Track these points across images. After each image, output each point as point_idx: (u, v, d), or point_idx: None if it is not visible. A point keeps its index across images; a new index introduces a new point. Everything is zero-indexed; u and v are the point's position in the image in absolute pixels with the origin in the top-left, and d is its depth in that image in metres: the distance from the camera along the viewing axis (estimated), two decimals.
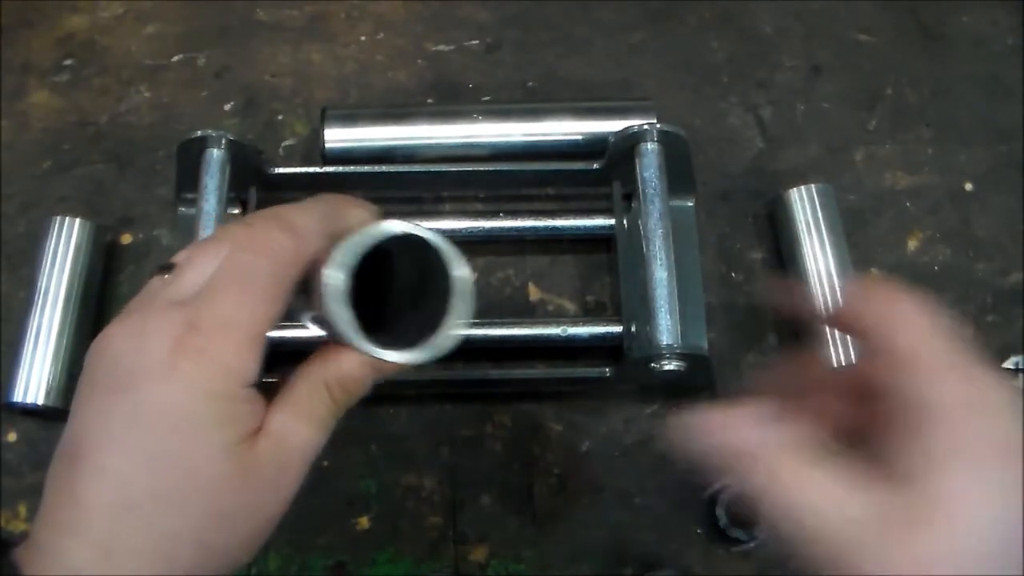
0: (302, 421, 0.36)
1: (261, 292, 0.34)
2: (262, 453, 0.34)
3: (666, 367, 0.51)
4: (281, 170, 0.57)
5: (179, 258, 0.37)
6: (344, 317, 0.34)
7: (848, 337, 0.55)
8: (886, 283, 0.37)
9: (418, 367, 0.36)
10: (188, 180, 0.57)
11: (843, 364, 0.54)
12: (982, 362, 0.33)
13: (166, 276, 0.37)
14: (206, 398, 0.33)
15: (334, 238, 0.36)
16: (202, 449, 0.32)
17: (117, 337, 0.34)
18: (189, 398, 0.32)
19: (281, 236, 0.35)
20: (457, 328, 0.36)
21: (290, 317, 0.36)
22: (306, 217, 0.37)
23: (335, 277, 0.34)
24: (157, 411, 0.32)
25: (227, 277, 0.34)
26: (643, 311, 0.53)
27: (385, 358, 0.35)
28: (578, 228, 0.58)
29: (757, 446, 0.33)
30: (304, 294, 0.37)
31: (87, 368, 0.35)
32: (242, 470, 0.33)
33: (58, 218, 0.56)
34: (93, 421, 0.33)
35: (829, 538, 0.31)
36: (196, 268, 0.35)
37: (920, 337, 0.34)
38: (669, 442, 0.36)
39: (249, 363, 0.34)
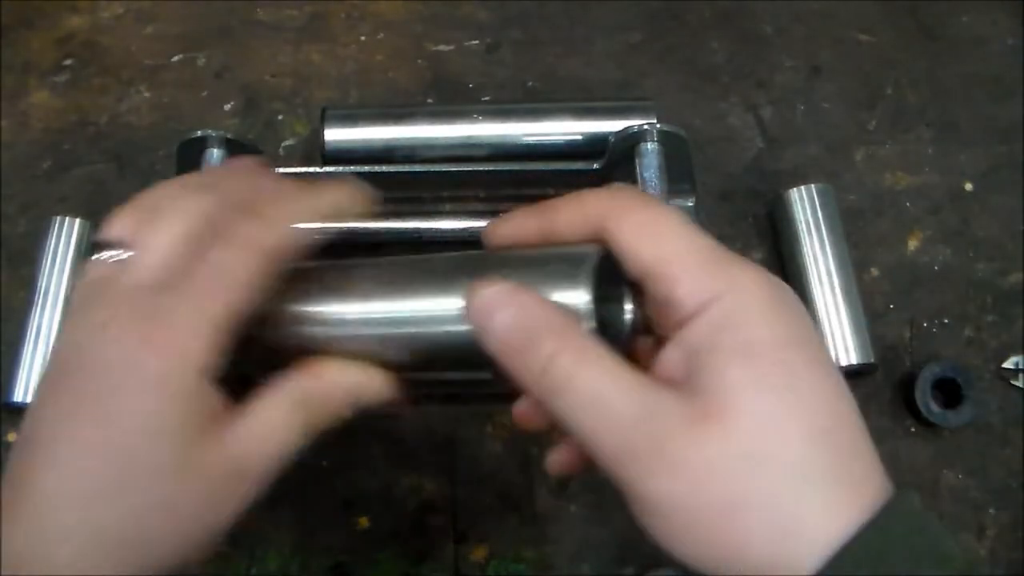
0: (269, 436, 0.35)
1: (238, 288, 0.34)
2: (219, 456, 0.33)
3: None
4: (281, 170, 0.57)
5: (118, 232, 0.36)
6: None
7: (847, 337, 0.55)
8: (609, 194, 0.35)
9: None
10: None
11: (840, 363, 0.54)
12: (735, 258, 0.32)
13: (112, 256, 0.36)
14: (169, 396, 0.32)
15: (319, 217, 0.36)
16: (153, 443, 0.32)
17: (81, 328, 0.34)
18: (150, 396, 0.32)
19: (262, 234, 0.35)
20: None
21: None
22: (288, 209, 0.36)
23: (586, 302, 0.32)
24: (116, 407, 0.32)
25: (202, 272, 0.34)
26: None
27: None
28: None
29: (561, 325, 0.32)
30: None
31: (52, 358, 0.35)
32: (190, 465, 0.33)
33: (58, 218, 0.56)
34: (51, 411, 0.33)
35: (622, 435, 0.30)
36: (152, 251, 0.34)
37: (658, 253, 0.32)
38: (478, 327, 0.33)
39: (216, 358, 0.33)
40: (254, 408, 0.35)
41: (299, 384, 0.36)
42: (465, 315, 0.34)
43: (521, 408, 0.38)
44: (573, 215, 0.35)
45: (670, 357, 0.32)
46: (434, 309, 0.36)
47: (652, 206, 0.34)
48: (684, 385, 0.31)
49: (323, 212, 0.38)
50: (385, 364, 0.38)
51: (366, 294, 0.38)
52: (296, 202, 0.37)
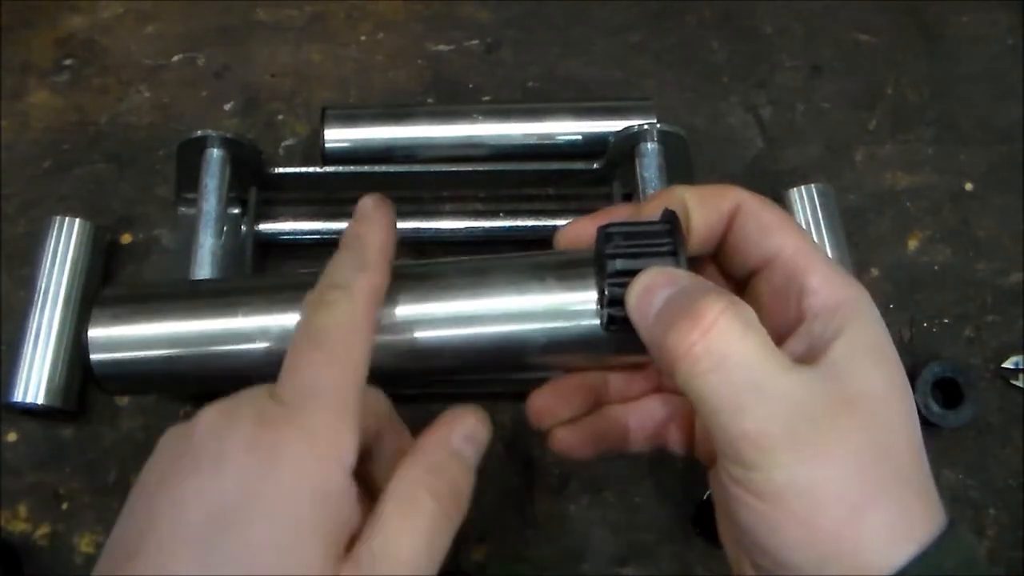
0: (410, 560, 0.29)
1: (342, 345, 0.31)
2: (357, 569, 0.28)
3: None
4: (281, 170, 0.57)
5: None
6: None
7: None
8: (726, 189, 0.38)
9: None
10: (188, 180, 0.57)
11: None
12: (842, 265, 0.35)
13: None
14: (299, 489, 0.28)
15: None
16: (290, 563, 0.27)
17: (202, 418, 0.30)
18: (279, 488, 0.27)
19: (354, 276, 0.33)
20: None
21: None
22: (371, 242, 0.35)
23: None
24: (236, 503, 0.27)
25: (300, 341, 0.31)
26: None
27: None
28: None
29: (720, 301, 0.31)
30: None
31: (159, 451, 0.30)
32: None
33: (58, 218, 0.56)
34: (160, 513, 0.28)
35: (778, 415, 0.29)
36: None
37: (797, 241, 0.35)
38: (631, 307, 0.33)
39: (345, 439, 0.29)
40: (389, 519, 0.29)
41: (434, 472, 0.31)
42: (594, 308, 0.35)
43: (564, 435, 0.39)
44: (709, 191, 0.38)
45: (796, 338, 0.33)
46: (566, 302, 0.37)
47: (782, 209, 0.37)
48: (813, 364, 0.31)
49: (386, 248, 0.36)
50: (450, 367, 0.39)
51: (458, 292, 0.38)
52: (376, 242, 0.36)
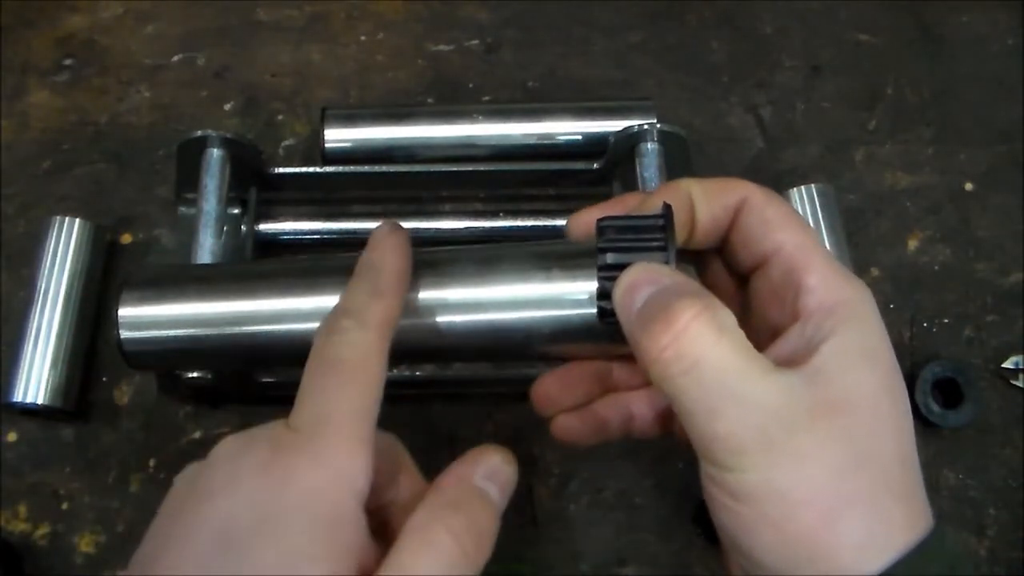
0: (419, 570, 0.28)
1: (355, 373, 0.31)
2: None
3: None
4: (281, 170, 0.57)
5: None
6: None
7: None
8: (734, 182, 0.37)
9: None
10: (188, 180, 0.57)
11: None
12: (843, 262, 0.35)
13: None
14: (308, 513, 0.28)
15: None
16: None
17: (220, 447, 0.31)
18: (288, 511, 0.28)
19: (368, 302, 0.33)
20: None
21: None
22: (386, 270, 0.35)
23: None
24: (246, 525, 0.28)
25: (313, 368, 0.31)
26: None
27: None
28: None
29: (699, 301, 0.30)
30: None
31: (178, 481, 0.31)
32: None
33: (58, 218, 0.56)
34: (174, 534, 0.29)
35: (753, 421, 0.29)
36: None
37: (799, 239, 0.34)
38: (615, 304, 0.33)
39: (356, 466, 0.29)
40: (403, 554, 0.29)
41: (453, 507, 0.30)
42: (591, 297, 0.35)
43: (565, 421, 0.39)
44: (715, 185, 0.36)
45: (787, 338, 0.33)
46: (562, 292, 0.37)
47: (788, 204, 0.36)
48: (798, 367, 0.31)
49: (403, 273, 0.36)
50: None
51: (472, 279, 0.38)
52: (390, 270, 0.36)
